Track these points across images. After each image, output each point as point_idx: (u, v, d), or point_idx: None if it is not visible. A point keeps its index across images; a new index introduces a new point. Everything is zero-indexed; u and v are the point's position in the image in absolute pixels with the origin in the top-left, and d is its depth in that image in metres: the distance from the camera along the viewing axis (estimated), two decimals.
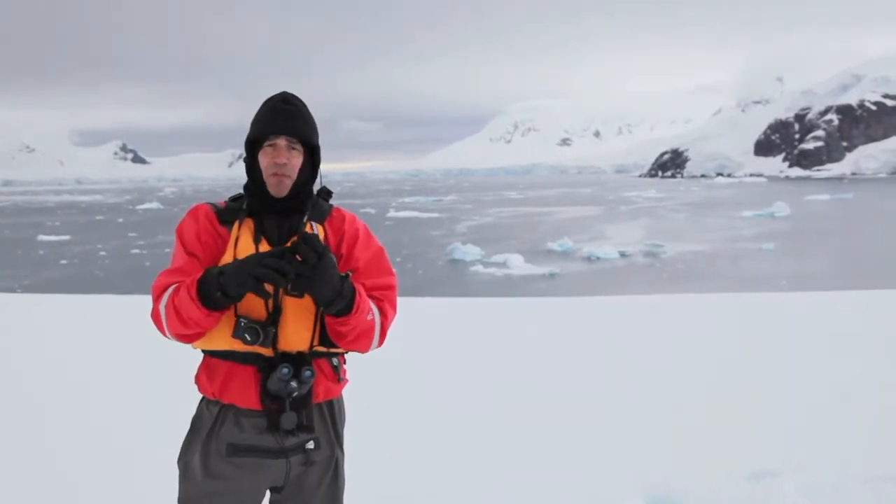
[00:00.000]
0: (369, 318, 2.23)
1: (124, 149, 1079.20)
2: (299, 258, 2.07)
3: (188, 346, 2.32)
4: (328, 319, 2.22)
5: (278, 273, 2.05)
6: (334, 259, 2.13)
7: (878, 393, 6.28)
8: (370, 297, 2.30)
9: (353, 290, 2.18)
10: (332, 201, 2.46)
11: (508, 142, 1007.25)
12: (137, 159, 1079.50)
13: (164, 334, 2.26)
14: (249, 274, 2.07)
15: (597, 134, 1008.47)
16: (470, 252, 30.37)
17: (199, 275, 2.17)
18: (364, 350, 2.29)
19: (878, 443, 5.02)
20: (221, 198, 2.42)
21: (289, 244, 2.13)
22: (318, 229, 2.34)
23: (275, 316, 2.21)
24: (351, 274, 2.24)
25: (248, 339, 2.17)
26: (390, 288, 2.38)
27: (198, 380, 2.35)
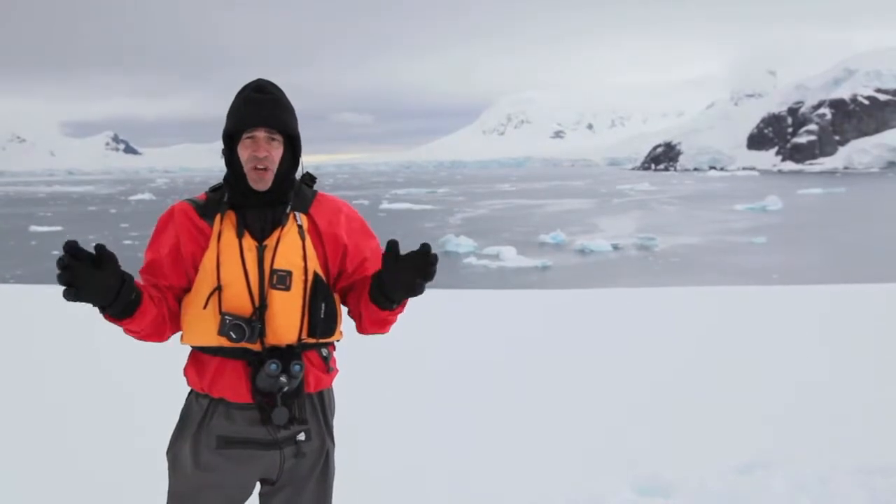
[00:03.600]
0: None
1: (116, 139, 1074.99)
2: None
3: (177, 340, 2.32)
4: (373, 315, 2.29)
5: (61, 269, 1.97)
6: None
7: (868, 386, 6.31)
8: None
9: None
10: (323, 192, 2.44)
11: (501, 134, 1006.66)
12: (129, 150, 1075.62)
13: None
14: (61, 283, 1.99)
15: (590, 127, 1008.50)
16: (463, 244, 30.38)
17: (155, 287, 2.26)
18: (386, 331, 2.38)
19: (868, 435, 5.04)
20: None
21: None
22: (301, 219, 2.31)
23: (260, 311, 2.20)
24: None
25: (234, 336, 2.16)
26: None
27: (186, 373, 2.34)
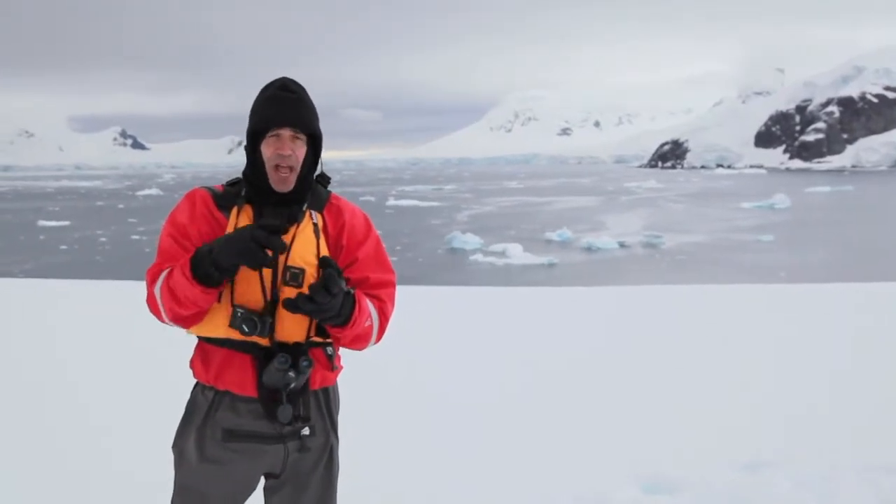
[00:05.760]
0: (367, 324, 2.24)
1: (124, 135, 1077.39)
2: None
3: (184, 332, 2.32)
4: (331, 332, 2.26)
5: (270, 247, 2.06)
6: (345, 289, 2.12)
7: (874, 384, 6.29)
8: (370, 295, 2.30)
9: (352, 306, 2.17)
10: (332, 190, 2.43)
11: (508, 131, 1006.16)
12: (137, 145, 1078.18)
13: (162, 319, 2.25)
14: (240, 250, 2.06)
15: (597, 124, 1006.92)
16: (469, 241, 30.36)
17: (190, 254, 2.17)
18: (360, 349, 2.32)
19: (873, 434, 5.03)
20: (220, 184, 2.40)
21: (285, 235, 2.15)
22: (317, 218, 2.32)
23: (272, 307, 2.20)
24: (353, 291, 2.20)
25: (246, 329, 2.16)
26: (390, 285, 2.38)
27: (192, 365, 2.35)
